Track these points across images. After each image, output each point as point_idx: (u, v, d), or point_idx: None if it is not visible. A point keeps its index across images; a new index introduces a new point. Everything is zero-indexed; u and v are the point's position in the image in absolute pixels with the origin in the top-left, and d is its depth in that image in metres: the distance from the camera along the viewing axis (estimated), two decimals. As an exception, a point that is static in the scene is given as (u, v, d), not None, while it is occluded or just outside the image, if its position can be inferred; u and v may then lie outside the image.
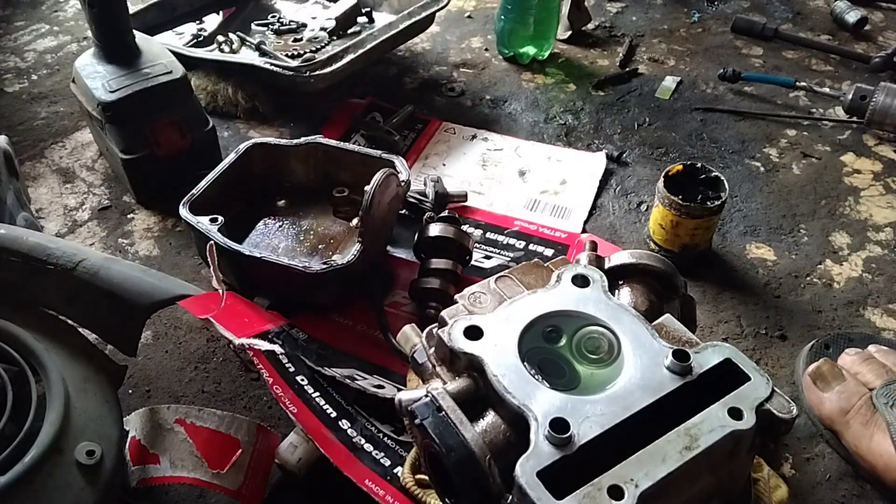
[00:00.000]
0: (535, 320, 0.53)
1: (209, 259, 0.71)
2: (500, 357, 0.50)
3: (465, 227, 0.84)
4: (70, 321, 0.63)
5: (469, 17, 1.38)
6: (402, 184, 0.83)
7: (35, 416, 0.53)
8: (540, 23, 1.19)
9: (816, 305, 0.85)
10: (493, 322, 0.52)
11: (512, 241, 0.91)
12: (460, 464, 0.46)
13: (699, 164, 0.87)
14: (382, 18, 1.23)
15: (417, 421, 0.48)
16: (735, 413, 0.48)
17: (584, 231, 0.94)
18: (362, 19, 1.24)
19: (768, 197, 0.99)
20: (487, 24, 1.34)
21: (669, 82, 1.19)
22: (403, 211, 0.91)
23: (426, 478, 0.60)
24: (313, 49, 1.18)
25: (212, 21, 1.26)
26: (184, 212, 0.79)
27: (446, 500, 0.51)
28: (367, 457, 0.63)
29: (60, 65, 1.24)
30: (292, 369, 0.67)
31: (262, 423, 0.65)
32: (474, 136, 1.09)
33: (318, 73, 1.03)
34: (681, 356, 0.50)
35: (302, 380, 0.67)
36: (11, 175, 0.84)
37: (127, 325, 0.64)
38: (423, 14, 1.14)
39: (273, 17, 1.25)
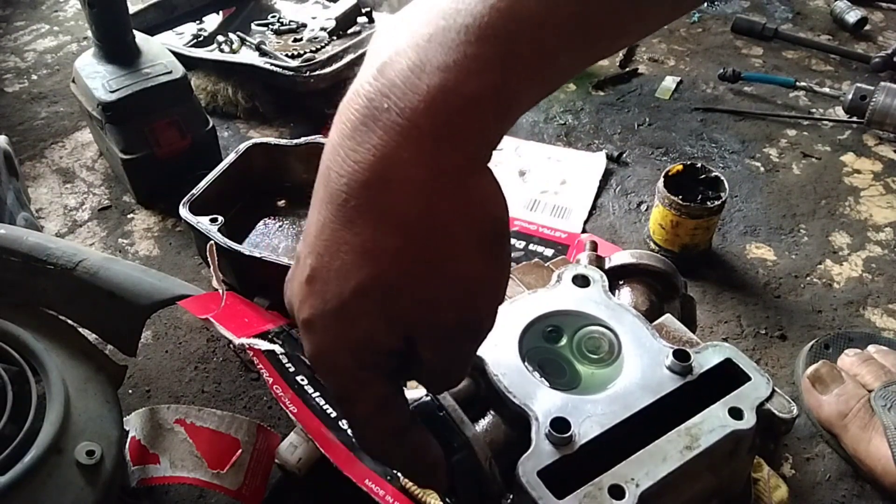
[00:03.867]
0: (535, 320, 0.53)
1: (209, 259, 0.71)
2: (501, 357, 0.50)
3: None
4: (70, 321, 0.63)
5: (469, 17, 1.38)
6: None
7: (35, 416, 0.53)
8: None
9: (816, 305, 0.85)
10: (494, 322, 0.52)
11: (512, 241, 0.91)
12: (460, 464, 0.46)
13: (699, 164, 0.87)
14: (382, 18, 1.23)
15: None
16: (735, 413, 0.48)
17: (584, 231, 0.94)
18: (362, 19, 1.24)
19: (768, 197, 0.99)
20: (487, 24, 1.34)
21: (669, 82, 1.19)
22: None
23: (426, 478, 0.60)
24: (313, 49, 1.18)
25: (212, 21, 1.26)
26: (184, 212, 0.79)
27: (446, 500, 0.51)
28: (367, 457, 0.63)
29: (60, 65, 1.24)
30: (292, 369, 0.67)
31: (262, 423, 0.65)
32: (474, 136, 1.08)
33: (318, 73, 1.03)
34: (681, 356, 0.50)
35: (302, 380, 0.67)
36: (11, 175, 0.84)
37: (127, 325, 0.64)
38: (423, 14, 1.13)
39: (273, 17, 1.25)
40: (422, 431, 0.42)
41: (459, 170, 0.33)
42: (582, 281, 0.56)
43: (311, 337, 0.36)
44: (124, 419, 0.60)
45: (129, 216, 0.96)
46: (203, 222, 0.78)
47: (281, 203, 0.92)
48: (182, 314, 0.82)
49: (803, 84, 1.15)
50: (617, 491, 0.43)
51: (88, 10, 0.90)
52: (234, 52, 1.17)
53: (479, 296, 0.36)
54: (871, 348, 0.73)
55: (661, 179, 0.85)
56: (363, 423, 0.39)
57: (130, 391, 0.75)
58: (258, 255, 0.75)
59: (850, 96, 1.06)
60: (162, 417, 0.63)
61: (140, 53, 0.94)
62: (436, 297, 0.34)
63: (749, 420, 0.48)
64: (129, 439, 0.62)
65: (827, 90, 1.14)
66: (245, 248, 0.77)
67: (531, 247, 0.91)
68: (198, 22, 1.26)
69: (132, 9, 1.04)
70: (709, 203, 0.84)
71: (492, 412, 0.49)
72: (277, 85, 1.08)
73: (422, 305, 0.35)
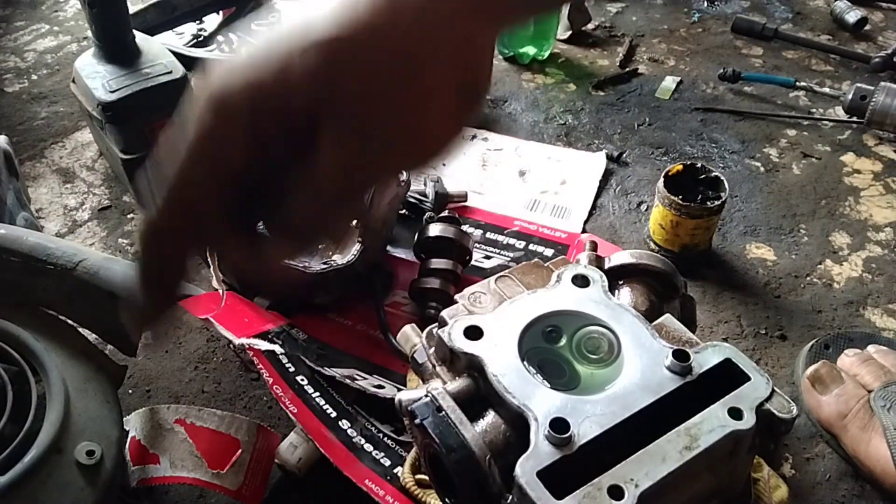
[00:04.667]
0: (535, 320, 0.53)
1: (209, 259, 0.71)
2: (500, 357, 0.50)
3: (465, 227, 0.84)
4: (70, 321, 0.63)
5: (469, 17, 1.38)
6: (402, 184, 0.83)
7: (35, 416, 0.53)
8: (540, 23, 1.19)
9: (816, 305, 0.85)
10: (493, 322, 0.52)
11: (512, 241, 0.91)
12: (460, 464, 0.46)
13: (699, 164, 0.87)
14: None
15: (417, 421, 0.48)
16: (735, 413, 0.48)
17: (584, 231, 0.94)
18: (362, 19, 1.24)
19: (768, 197, 0.99)
20: (487, 24, 1.34)
21: (669, 82, 1.19)
22: (403, 211, 0.91)
23: (426, 478, 0.60)
24: (313, 49, 1.18)
25: (212, 21, 1.26)
26: (184, 212, 0.79)
27: (446, 500, 0.51)
28: (367, 457, 0.63)
29: (60, 65, 1.24)
30: (292, 369, 0.67)
31: (262, 423, 0.65)
32: (474, 136, 1.09)
33: (318, 73, 1.03)
34: (681, 356, 0.50)
35: (302, 380, 0.67)
36: (11, 175, 0.84)
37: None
38: (423, 14, 1.14)
39: (273, 17, 1.25)
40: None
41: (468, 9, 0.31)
42: (582, 281, 0.56)
43: (224, 77, 0.31)
44: (124, 419, 0.60)
45: (129, 216, 0.96)
46: (203, 222, 0.78)
47: (281, 203, 0.92)
48: (182, 314, 0.82)
49: (803, 84, 1.15)
50: (616, 491, 0.43)
51: (88, 10, 0.90)
52: (234, 52, 1.17)
53: (424, 121, 0.32)
54: (871, 348, 0.73)
55: (661, 179, 0.85)
56: (182, 184, 0.31)
57: (130, 391, 0.75)
58: (258, 255, 0.75)
59: (850, 96, 1.06)
60: (162, 417, 0.63)
61: (140, 53, 0.94)
62: (384, 83, 0.31)
63: (749, 420, 0.47)
64: (129, 439, 0.62)
65: (827, 90, 1.14)
66: (245, 248, 0.77)
67: (531, 247, 0.91)
68: (198, 22, 1.26)
69: (132, 9, 1.04)
70: (709, 203, 0.84)
71: (491, 412, 0.49)
72: (277, 85, 1.08)
73: (364, 81, 0.30)
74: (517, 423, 0.47)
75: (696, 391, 0.49)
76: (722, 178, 0.86)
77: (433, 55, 0.31)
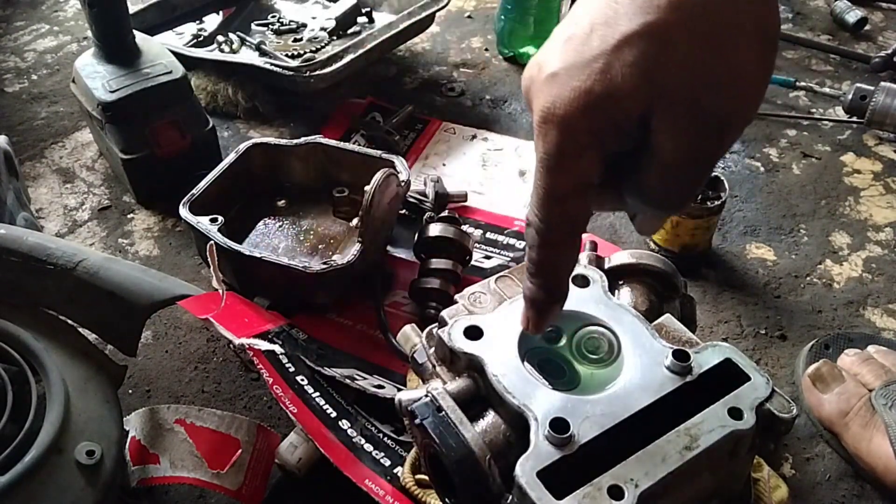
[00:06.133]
0: (535, 320, 0.53)
1: (209, 259, 0.71)
2: (500, 357, 0.50)
3: (465, 227, 0.84)
4: (70, 321, 0.64)
5: (469, 17, 1.38)
6: (402, 184, 0.83)
7: (35, 416, 0.54)
8: (540, 22, 1.19)
9: (816, 305, 0.85)
10: (493, 322, 0.52)
11: (512, 241, 0.91)
12: (460, 464, 0.46)
13: (699, 164, 0.87)
14: (382, 18, 1.23)
15: (417, 421, 0.48)
16: (735, 413, 0.48)
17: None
18: (362, 19, 1.24)
19: (768, 197, 0.99)
20: (487, 24, 1.34)
21: (669, 82, 1.19)
22: (403, 211, 0.91)
23: (426, 478, 0.60)
24: (313, 49, 1.18)
25: (212, 21, 1.26)
26: (184, 212, 0.79)
27: (446, 500, 0.51)
28: (367, 457, 0.63)
29: (60, 65, 1.25)
30: (292, 369, 0.67)
31: (262, 423, 0.65)
32: (474, 136, 1.09)
33: (318, 73, 1.03)
34: (681, 356, 0.50)
35: (302, 380, 0.67)
36: (11, 175, 0.84)
37: (127, 325, 0.64)
38: (423, 14, 1.14)
39: (273, 17, 1.25)
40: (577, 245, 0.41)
41: None
42: (582, 281, 0.56)
43: (548, 89, 0.34)
44: (124, 419, 0.60)
45: (129, 216, 0.96)
46: (203, 222, 0.78)
47: (281, 203, 0.92)
48: (182, 314, 0.82)
49: (803, 84, 1.15)
50: (616, 491, 0.43)
51: (88, 10, 0.90)
52: (234, 52, 1.17)
53: (743, 87, 0.33)
54: (871, 348, 0.73)
55: (661, 179, 0.85)
56: (553, 200, 0.36)
57: (130, 391, 0.75)
58: (258, 255, 0.75)
59: (850, 96, 1.06)
60: (162, 417, 0.63)
61: (140, 53, 0.94)
62: (700, 68, 0.32)
63: (749, 420, 0.47)
64: (129, 439, 0.62)
65: (827, 90, 1.14)
66: (245, 248, 0.77)
67: (531, 247, 0.90)
68: (198, 22, 1.26)
69: (132, 9, 1.04)
70: (709, 203, 0.84)
71: (491, 412, 0.49)
72: (277, 85, 1.08)
73: (682, 71, 0.31)
74: (517, 423, 0.47)
75: (696, 391, 0.49)
76: (722, 178, 0.86)
77: (739, 24, 0.32)
